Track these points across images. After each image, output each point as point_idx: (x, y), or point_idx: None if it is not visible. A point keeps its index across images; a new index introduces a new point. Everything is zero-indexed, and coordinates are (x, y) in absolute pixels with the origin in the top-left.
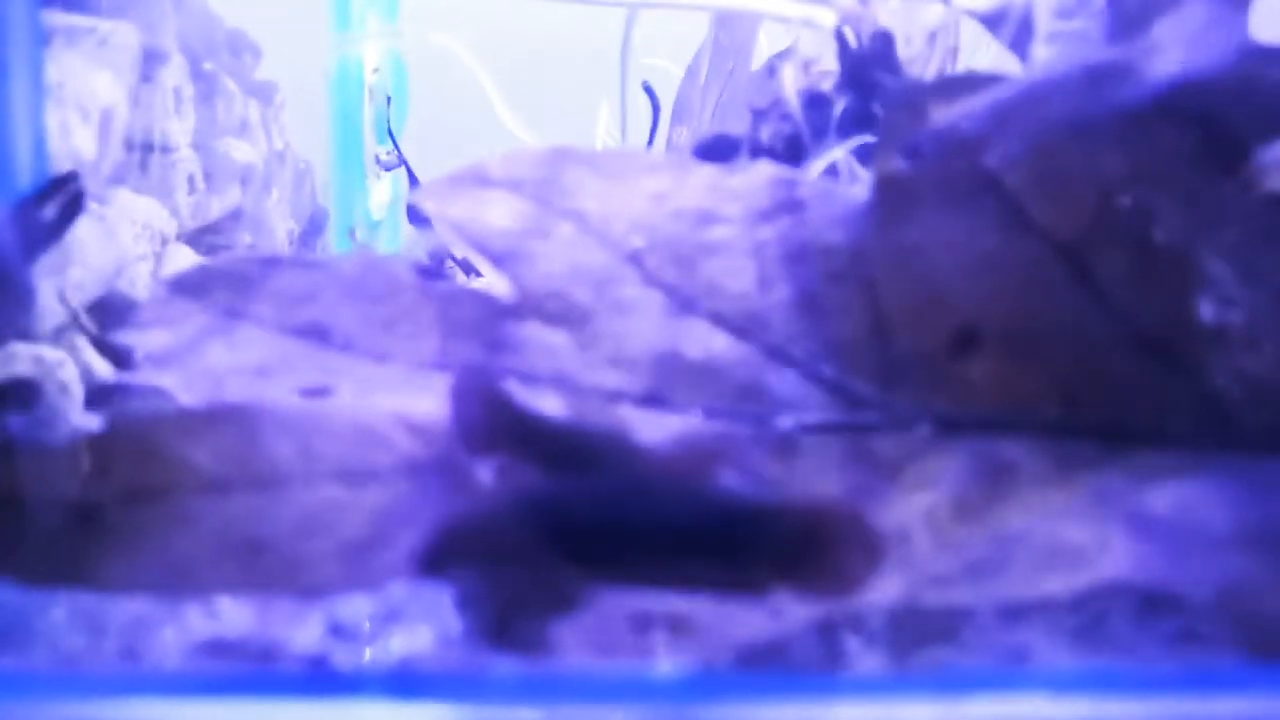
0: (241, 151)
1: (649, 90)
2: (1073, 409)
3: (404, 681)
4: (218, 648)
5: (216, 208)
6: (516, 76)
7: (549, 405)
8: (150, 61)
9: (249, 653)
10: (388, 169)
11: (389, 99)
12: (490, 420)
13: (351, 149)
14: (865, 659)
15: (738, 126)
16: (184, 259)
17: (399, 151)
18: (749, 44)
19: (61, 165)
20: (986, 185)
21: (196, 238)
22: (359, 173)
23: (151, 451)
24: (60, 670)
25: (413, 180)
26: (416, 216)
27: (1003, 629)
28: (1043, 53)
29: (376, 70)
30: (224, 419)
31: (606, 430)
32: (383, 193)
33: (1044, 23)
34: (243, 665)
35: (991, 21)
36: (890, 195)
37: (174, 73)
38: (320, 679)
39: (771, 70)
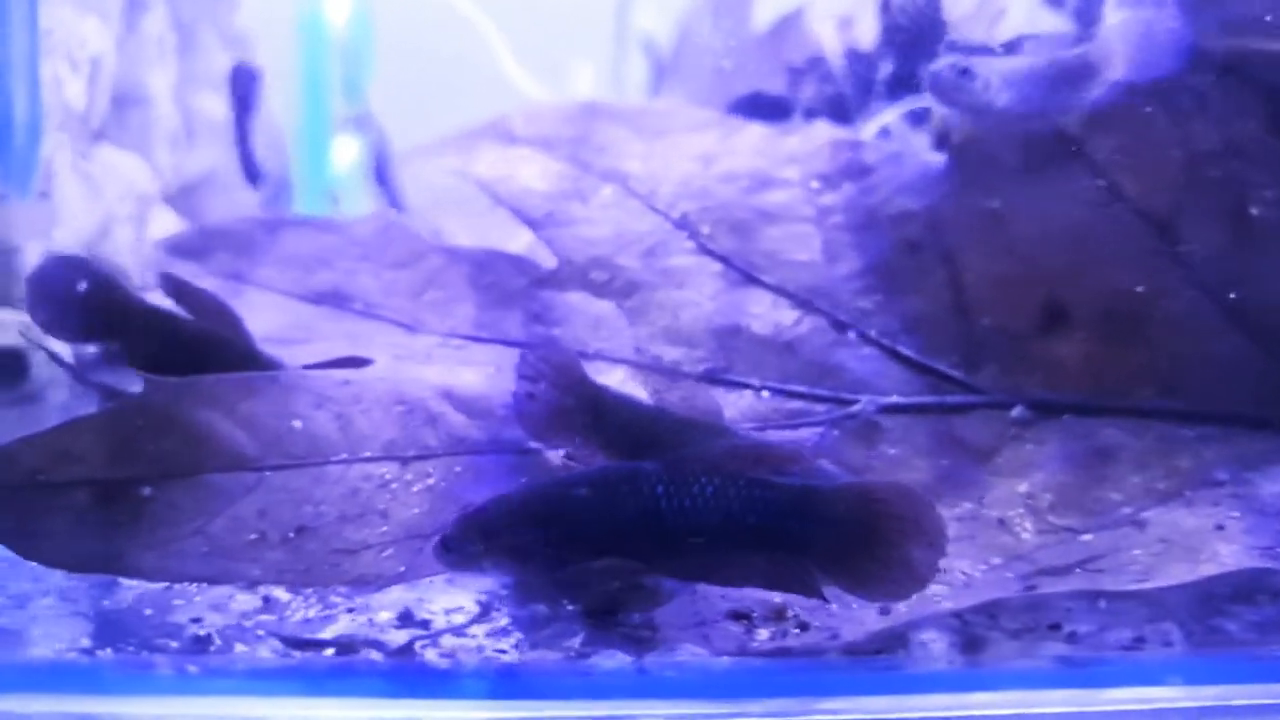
0: (220, 107)
1: (650, 49)
2: (1169, 391)
3: (502, 678)
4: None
5: (194, 166)
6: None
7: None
8: (133, 8)
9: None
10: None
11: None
12: (563, 402)
13: (318, 107)
14: (975, 652)
15: (745, 85)
16: (166, 221)
17: (368, 110)
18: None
19: (54, 117)
20: (1071, 152)
21: (176, 198)
22: (325, 132)
23: (179, 425)
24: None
25: (383, 141)
26: (383, 178)
27: (1120, 618)
28: (1114, 16)
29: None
30: (256, 390)
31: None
32: (347, 153)
33: None
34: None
35: None
36: (968, 161)
37: (157, 20)
38: (410, 676)
39: (782, 29)
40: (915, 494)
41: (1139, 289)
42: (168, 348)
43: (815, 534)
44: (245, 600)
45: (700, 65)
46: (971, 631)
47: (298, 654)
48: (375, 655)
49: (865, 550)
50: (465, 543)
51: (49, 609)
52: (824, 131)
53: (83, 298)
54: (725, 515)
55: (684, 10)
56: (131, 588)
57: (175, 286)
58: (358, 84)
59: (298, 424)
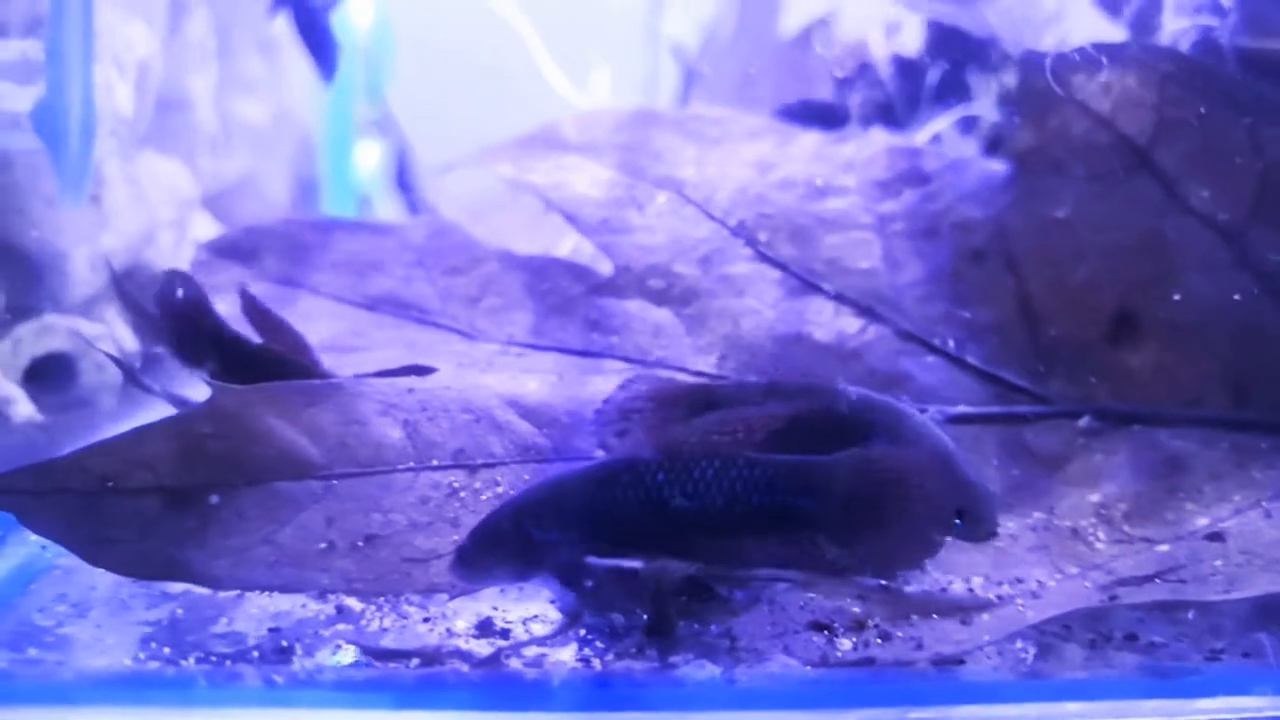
0: (253, 111)
1: (681, 56)
2: (1240, 401)
3: (594, 689)
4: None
5: (231, 171)
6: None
7: None
8: (176, 12)
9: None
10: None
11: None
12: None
13: (343, 110)
14: (1053, 662)
15: (770, 93)
16: (205, 226)
17: (389, 113)
18: (775, 6)
19: (105, 122)
20: (1137, 162)
21: (213, 203)
22: (349, 135)
23: (246, 433)
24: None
25: (404, 144)
26: (404, 182)
27: (1205, 630)
28: (1173, 24)
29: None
30: (321, 397)
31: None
32: (370, 157)
33: None
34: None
35: None
36: (1033, 169)
37: (199, 24)
38: (500, 687)
39: (809, 36)
40: (918, 460)
41: (1209, 298)
42: (245, 372)
43: (821, 508)
44: (317, 609)
45: (726, 71)
46: (1049, 641)
47: (380, 665)
48: (461, 666)
49: (873, 521)
50: (478, 554)
51: (110, 617)
52: (880, 138)
53: (175, 323)
54: (729, 496)
55: (710, 16)
56: (197, 594)
57: (249, 306)
58: (378, 86)
59: (396, 433)
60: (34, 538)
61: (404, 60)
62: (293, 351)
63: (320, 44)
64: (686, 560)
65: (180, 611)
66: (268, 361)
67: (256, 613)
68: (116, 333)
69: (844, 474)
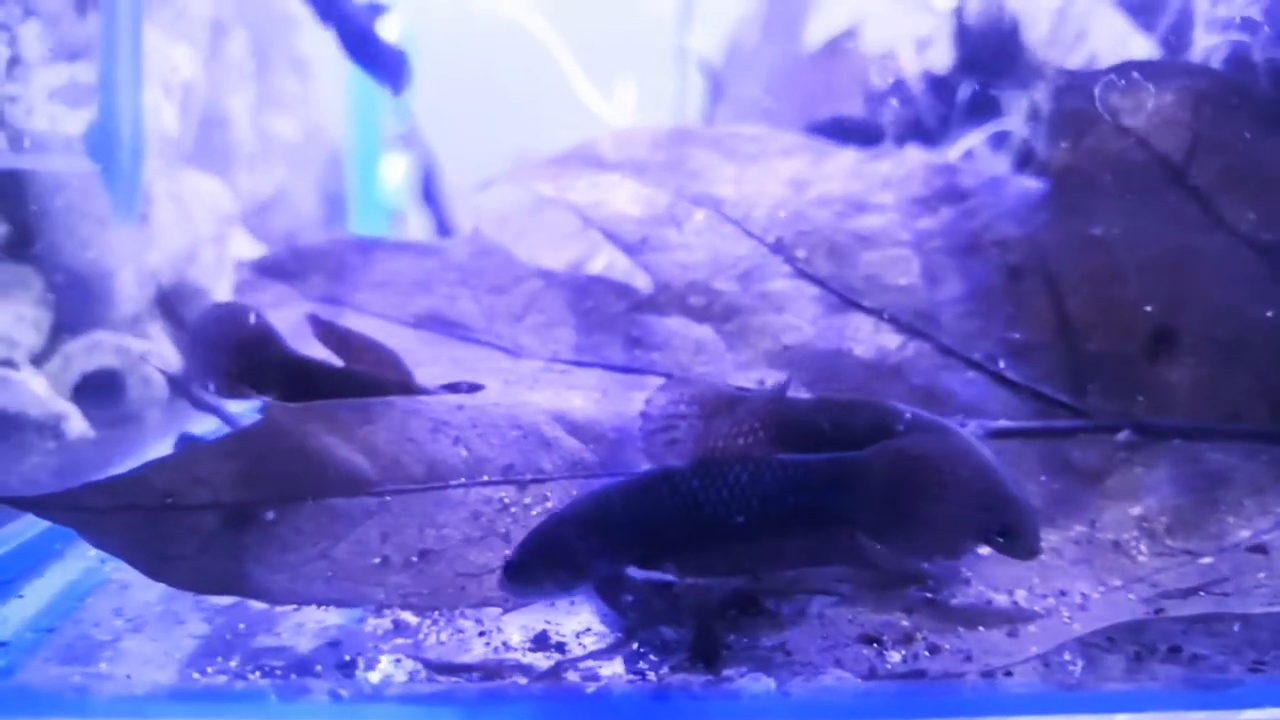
0: (287, 128)
1: (708, 70)
2: (1279, 415)
3: (654, 701)
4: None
5: (268, 187)
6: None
7: None
8: (217, 34)
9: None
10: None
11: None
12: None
13: (369, 125)
14: (1099, 674)
15: (796, 104)
16: (242, 241)
17: (415, 128)
18: (801, 18)
19: (152, 143)
20: (1173, 179)
21: (250, 217)
22: (375, 150)
23: (301, 450)
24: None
25: (430, 159)
26: (430, 197)
27: (1246, 642)
28: (1204, 40)
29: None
30: (374, 415)
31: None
32: (396, 171)
33: (1205, 7)
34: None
35: (1135, 6)
36: (1068, 187)
37: (237, 45)
38: (561, 700)
39: (835, 49)
40: (947, 446)
41: (1246, 314)
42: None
43: (857, 503)
44: (375, 623)
45: (750, 86)
46: (1094, 654)
47: (443, 679)
48: (521, 679)
49: (906, 506)
50: (526, 569)
51: (165, 631)
52: (916, 156)
53: (238, 351)
54: (764, 500)
55: (734, 28)
56: (251, 609)
57: (325, 331)
58: (404, 101)
59: (448, 449)
60: (91, 552)
61: (430, 74)
62: (383, 368)
63: (380, 57)
64: (729, 565)
65: (242, 625)
66: (354, 385)
67: (313, 627)
68: (161, 349)
69: (877, 465)
